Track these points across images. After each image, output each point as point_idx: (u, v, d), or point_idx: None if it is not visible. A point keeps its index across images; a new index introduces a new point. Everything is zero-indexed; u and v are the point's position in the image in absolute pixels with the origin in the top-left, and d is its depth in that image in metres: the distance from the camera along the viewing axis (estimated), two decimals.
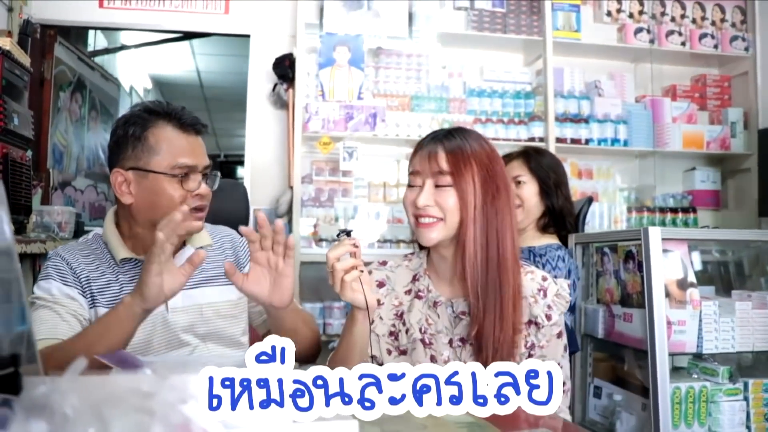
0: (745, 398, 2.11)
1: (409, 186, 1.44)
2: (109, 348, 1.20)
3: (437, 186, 1.37)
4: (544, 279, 1.46)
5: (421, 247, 1.52)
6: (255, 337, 1.67)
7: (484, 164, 1.37)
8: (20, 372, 0.59)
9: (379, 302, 1.44)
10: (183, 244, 1.52)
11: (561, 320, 1.45)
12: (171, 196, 1.37)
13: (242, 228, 1.31)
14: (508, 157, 2.37)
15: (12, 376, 0.58)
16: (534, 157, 2.35)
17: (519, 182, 2.30)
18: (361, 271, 1.32)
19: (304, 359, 1.58)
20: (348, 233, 1.33)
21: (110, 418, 0.48)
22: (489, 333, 1.34)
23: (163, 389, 0.52)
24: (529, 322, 1.41)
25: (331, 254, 1.28)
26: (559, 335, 1.45)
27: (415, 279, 1.51)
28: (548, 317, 1.42)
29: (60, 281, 1.39)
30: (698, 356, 2.14)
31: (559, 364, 1.42)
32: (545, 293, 1.43)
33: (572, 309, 2.22)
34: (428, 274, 1.50)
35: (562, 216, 2.34)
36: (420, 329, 1.45)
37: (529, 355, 1.42)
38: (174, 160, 1.39)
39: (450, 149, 1.37)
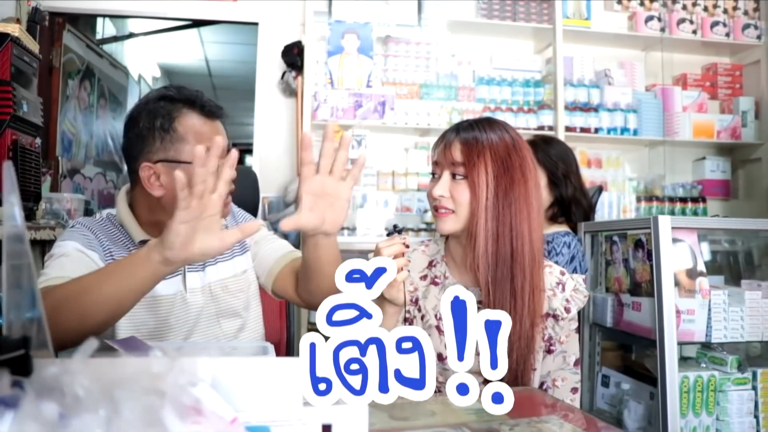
0: (754, 388, 2.10)
1: (431, 175, 1.46)
2: (118, 292, 1.12)
3: (453, 178, 1.39)
4: (562, 273, 1.47)
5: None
6: (266, 310, 1.67)
7: (500, 156, 1.36)
8: (31, 354, 0.59)
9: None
10: None
11: (576, 316, 1.46)
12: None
13: (304, 136, 1.19)
14: None
15: (23, 358, 0.59)
16: (541, 147, 2.32)
17: None
18: (409, 271, 1.32)
19: None
20: (400, 231, 1.33)
21: (121, 399, 0.48)
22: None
23: (173, 371, 0.52)
24: (547, 315, 1.42)
25: (386, 251, 1.27)
26: (577, 330, 1.46)
27: (431, 265, 1.52)
28: (567, 310, 1.42)
29: (80, 243, 1.36)
30: (707, 345, 2.14)
31: (577, 360, 1.43)
32: (563, 287, 1.44)
33: None
34: (445, 261, 1.51)
35: (569, 206, 2.34)
36: (435, 316, 1.46)
37: (548, 350, 1.42)
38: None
39: (465, 140, 1.38)
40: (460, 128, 1.42)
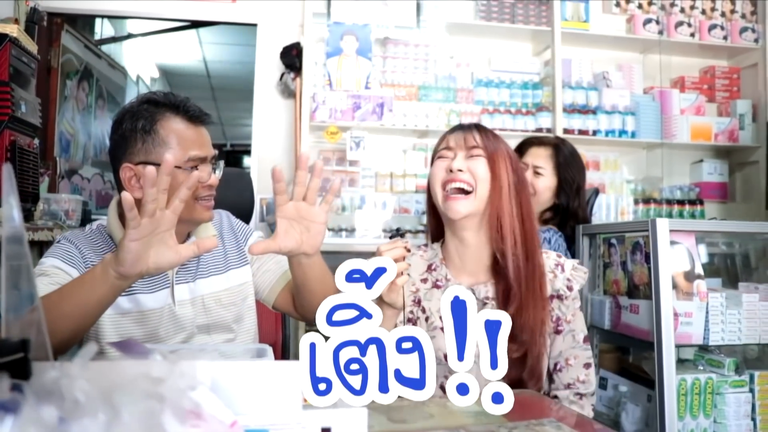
0: (751, 390, 2.10)
1: (438, 159, 1.48)
2: (79, 308, 1.14)
3: (469, 157, 1.43)
4: (559, 256, 1.53)
5: (434, 240, 1.57)
6: (262, 312, 1.66)
7: (513, 157, 1.47)
8: (29, 357, 0.59)
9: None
10: (188, 235, 1.50)
11: (578, 295, 1.52)
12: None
13: (275, 170, 1.21)
14: (538, 142, 2.36)
15: (21, 362, 0.59)
16: (564, 155, 2.31)
17: (538, 173, 2.28)
18: (409, 275, 1.34)
19: None
20: (402, 234, 1.34)
21: (120, 403, 0.48)
22: (526, 310, 1.37)
23: (173, 375, 0.52)
24: (552, 297, 1.47)
25: (387, 254, 1.29)
26: (581, 308, 1.52)
27: (430, 269, 1.54)
28: (569, 288, 1.47)
29: (61, 260, 1.37)
30: (704, 348, 2.14)
31: (586, 337, 1.47)
32: (563, 268, 1.49)
33: None
34: (445, 264, 1.52)
35: (567, 217, 2.33)
36: (440, 318, 1.46)
37: (557, 331, 1.46)
38: (185, 153, 1.37)
39: (485, 133, 1.46)
40: (473, 124, 1.49)
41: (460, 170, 1.41)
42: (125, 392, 0.49)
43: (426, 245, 1.60)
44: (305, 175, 1.25)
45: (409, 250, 1.32)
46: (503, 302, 1.40)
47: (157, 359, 0.54)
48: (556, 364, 1.46)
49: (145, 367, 0.53)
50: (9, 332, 0.61)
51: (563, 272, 1.48)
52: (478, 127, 1.47)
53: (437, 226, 1.56)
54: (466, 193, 1.41)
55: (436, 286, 1.51)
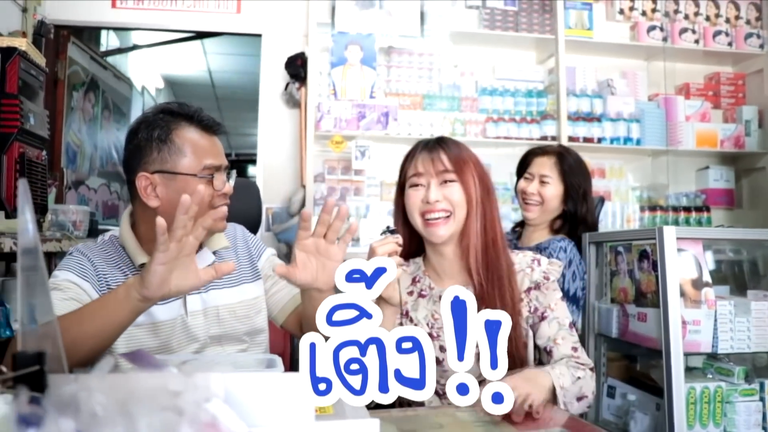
0: (761, 399, 2.09)
1: (411, 187, 1.54)
2: (100, 329, 1.17)
3: (442, 183, 1.50)
4: (535, 254, 1.63)
5: (409, 256, 1.63)
6: (273, 328, 1.67)
7: (478, 165, 1.55)
8: (45, 370, 0.60)
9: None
10: (200, 246, 1.51)
11: (558, 287, 1.60)
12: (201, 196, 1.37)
13: (304, 211, 1.29)
14: (542, 152, 2.38)
15: (37, 374, 0.59)
16: (568, 162, 2.33)
17: (544, 182, 2.30)
18: (404, 269, 1.37)
19: None
20: (393, 231, 1.38)
21: (138, 416, 0.49)
22: (492, 306, 1.39)
23: (189, 388, 0.52)
24: (529, 289, 1.55)
25: (381, 250, 1.34)
26: (562, 298, 1.59)
27: (415, 281, 1.60)
28: (546, 278, 1.56)
29: (74, 273, 1.38)
30: (713, 356, 2.13)
31: (572, 323, 1.53)
32: (539, 263, 1.59)
33: (575, 302, 2.21)
34: (427, 275, 1.60)
35: (576, 223, 2.34)
36: (427, 324, 1.54)
37: (542, 317, 1.53)
38: (201, 161, 1.40)
39: (450, 151, 1.53)
40: (435, 143, 1.56)
41: (437, 200, 1.48)
42: (142, 405, 0.50)
43: (409, 262, 1.65)
44: (328, 217, 1.31)
45: (401, 245, 1.37)
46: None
47: (173, 372, 0.54)
48: (545, 347, 1.53)
49: (161, 379, 0.53)
50: (25, 345, 0.61)
51: (540, 266, 1.57)
52: (441, 144, 1.54)
53: (411, 242, 1.62)
54: (445, 217, 1.49)
55: (421, 295, 1.57)
